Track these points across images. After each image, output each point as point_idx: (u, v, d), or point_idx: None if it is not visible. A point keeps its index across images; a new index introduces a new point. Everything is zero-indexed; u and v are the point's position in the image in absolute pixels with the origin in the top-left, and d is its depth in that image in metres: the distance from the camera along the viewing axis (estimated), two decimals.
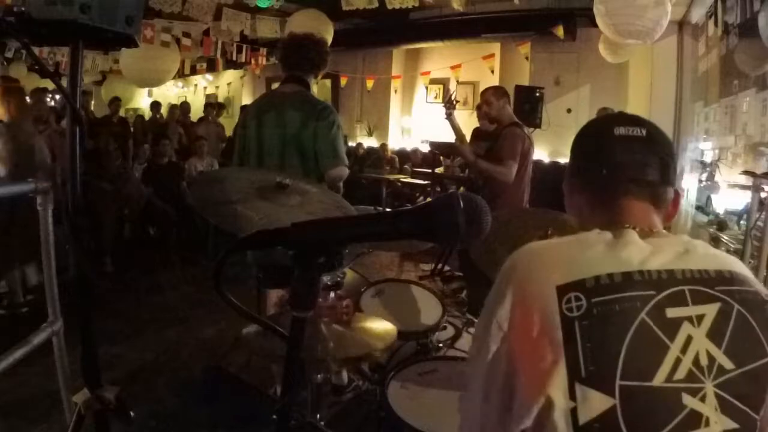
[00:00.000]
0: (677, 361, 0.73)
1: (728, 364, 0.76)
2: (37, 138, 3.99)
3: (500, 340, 0.77)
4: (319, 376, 1.89)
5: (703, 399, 0.74)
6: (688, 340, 0.75)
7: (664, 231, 0.87)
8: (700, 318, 0.76)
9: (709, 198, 4.75)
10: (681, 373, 0.73)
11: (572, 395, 0.71)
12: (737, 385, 0.76)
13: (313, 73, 2.57)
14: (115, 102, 8.52)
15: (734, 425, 0.75)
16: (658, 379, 0.72)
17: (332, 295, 1.77)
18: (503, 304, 0.78)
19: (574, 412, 0.71)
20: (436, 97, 9.29)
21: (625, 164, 0.87)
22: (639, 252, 0.79)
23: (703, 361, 0.75)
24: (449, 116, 3.65)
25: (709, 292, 0.78)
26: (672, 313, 0.75)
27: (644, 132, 0.88)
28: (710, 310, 0.77)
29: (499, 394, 0.78)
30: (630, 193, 0.87)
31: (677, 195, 0.91)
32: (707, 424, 0.73)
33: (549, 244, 0.85)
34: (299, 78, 2.53)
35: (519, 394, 0.75)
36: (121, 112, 9.13)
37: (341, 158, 2.44)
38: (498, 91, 3.74)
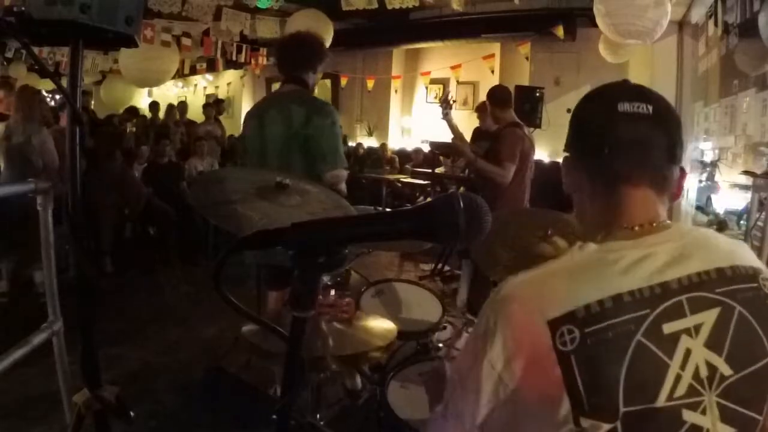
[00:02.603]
0: (677, 378, 0.72)
1: (728, 371, 0.74)
2: (48, 137, 4.04)
3: (496, 381, 0.74)
4: (322, 375, 1.89)
5: (703, 412, 0.73)
6: (687, 353, 0.73)
7: (664, 222, 0.83)
8: (698, 328, 0.74)
9: (709, 198, 4.75)
10: (681, 390, 0.72)
11: (577, 424, 0.71)
12: (738, 390, 0.75)
13: (311, 71, 2.55)
14: (129, 113, 8.58)
15: (733, 431, 0.74)
16: (661, 400, 0.71)
17: (333, 292, 1.78)
18: (494, 344, 0.74)
19: None
20: (436, 97, 9.28)
21: (626, 145, 0.81)
22: (629, 267, 0.75)
23: (703, 372, 0.73)
24: (446, 116, 3.65)
25: (708, 296, 0.76)
26: (668, 328, 0.73)
27: (650, 109, 0.81)
28: (709, 317, 0.75)
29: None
30: (631, 179, 0.82)
31: (683, 173, 0.86)
32: None
33: (534, 276, 0.78)
34: (298, 78, 2.52)
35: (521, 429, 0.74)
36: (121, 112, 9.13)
37: (341, 160, 2.44)
38: (489, 99, 3.77)
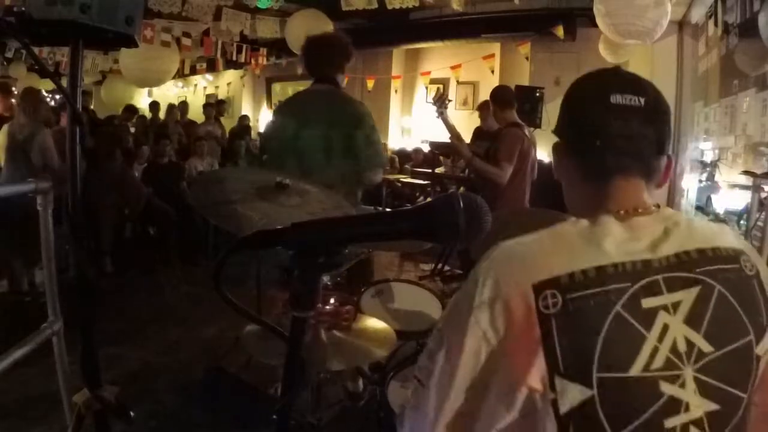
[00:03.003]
0: (654, 350, 0.74)
1: (707, 348, 0.77)
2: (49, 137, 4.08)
3: (479, 337, 0.76)
4: (322, 376, 1.89)
5: (682, 385, 0.75)
6: (665, 328, 0.75)
7: (651, 207, 0.85)
8: (676, 305, 0.77)
9: (709, 198, 4.75)
10: (659, 362, 0.74)
11: (552, 387, 0.73)
12: (718, 367, 0.77)
13: (340, 72, 2.55)
14: (127, 112, 8.58)
15: (715, 407, 0.76)
16: (635, 369, 0.73)
17: (333, 300, 1.77)
18: (481, 302, 0.77)
19: (554, 403, 0.73)
20: (433, 98, 9.28)
21: (618, 138, 0.83)
22: (614, 242, 0.78)
23: (681, 347, 0.76)
24: (441, 114, 3.65)
25: (688, 276, 0.78)
26: (647, 303, 0.76)
27: (642, 101, 0.83)
28: (688, 296, 0.77)
29: (472, 387, 0.78)
30: (622, 170, 0.85)
31: (669, 161, 0.88)
32: (687, 409, 0.75)
33: (524, 242, 0.81)
34: (331, 78, 2.51)
35: (498, 386, 0.76)
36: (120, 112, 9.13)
37: (383, 161, 2.46)
38: (492, 99, 3.78)
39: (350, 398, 2.33)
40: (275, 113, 2.63)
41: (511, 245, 0.81)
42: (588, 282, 0.75)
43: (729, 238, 0.85)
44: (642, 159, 0.85)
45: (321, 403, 2.10)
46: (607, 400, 0.72)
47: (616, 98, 0.83)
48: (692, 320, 0.77)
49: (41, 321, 1.74)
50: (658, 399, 0.74)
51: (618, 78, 0.88)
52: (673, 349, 0.75)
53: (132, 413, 1.51)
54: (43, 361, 1.81)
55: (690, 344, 0.76)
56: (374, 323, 1.86)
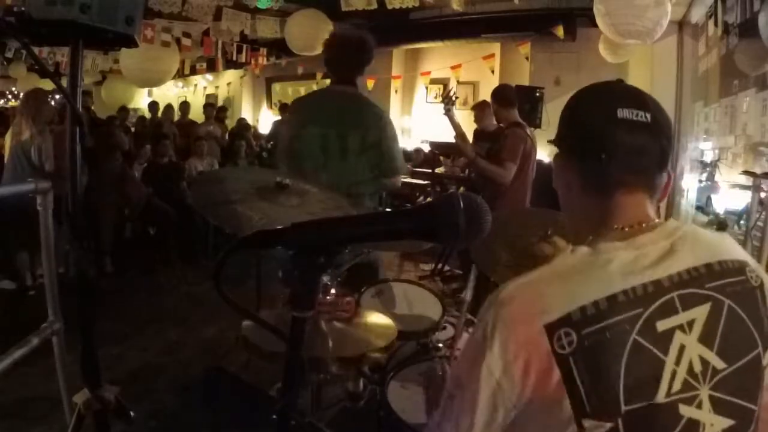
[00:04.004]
0: (673, 374, 0.73)
1: (720, 364, 0.76)
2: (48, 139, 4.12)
3: (494, 386, 0.74)
4: (322, 376, 1.89)
5: (699, 406, 0.74)
6: (681, 349, 0.74)
7: (653, 221, 0.84)
8: (690, 324, 0.75)
9: (709, 198, 4.75)
10: (677, 385, 0.73)
11: (580, 426, 0.71)
12: (731, 382, 0.76)
13: (360, 73, 2.50)
14: (124, 112, 8.57)
15: (731, 422, 0.76)
16: (661, 396, 0.72)
17: (333, 291, 1.77)
18: (492, 349, 0.75)
19: None
20: (436, 97, 9.28)
21: (625, 153, 0.82)
22: (620, 267, 0.76)
23: (697, 367, 0.75)
24: (448, 112, 3.64)
25: (699, 292, 0.77)
26: (662, 325, 0.74)
27: (649, 117, 0.82)
28: (701, 313, 0.76)
29: None
30: (626, 185, 0.84)
31: (669, 177, 0.88)
32: (704, 429, 0.74)
33: (529, 282, 0.79)
34: (351, 80, 2.46)
35: None
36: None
37: (403, 166, 2.45)
38: (493, 98, 3.77)
39: (350, 398, 2.33)
40: (291, 111, 2.57)
41: (515, 287, 0.79)
42: (600, 314, 0.73)
43: (732, 249, 0.84)
44: (646, 174, 0.85)
45: (321, 403, 2.10)
46: (630, 428, 0.71)
47: (623, 113, 0.82)
48: (706, 338, 0.76)
49: (42, 320, 1.74)
50: (678, 423, 0.73)
51: (624, 92, 0.87)
52: (690, 371, 0.74)
53: (132, 413, 1.51)
54: (43, 361, 1.81)
55: (704, 363, 0.75)
56: (375, 317, 1.86)
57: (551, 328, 0.73)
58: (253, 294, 3.30)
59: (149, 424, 2.60)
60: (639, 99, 0.85)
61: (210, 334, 3.74)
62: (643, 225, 0.83)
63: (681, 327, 0.75)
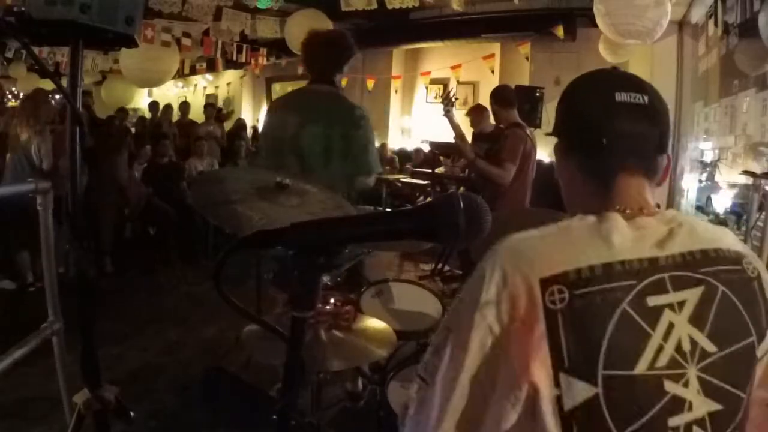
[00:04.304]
0: (659, 349, 0.74)
1: (711, 348, 0.77)
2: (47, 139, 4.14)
3: (485, 330, 0.76)
4: (321, 376, 1.89)
5: (686, 384, 0.75)
6: (670, 327, 0.76)
7: (653, 208, 0.85)
8: (681, 304, 0.77)
9: (709, 198, 4.75)
10: (663, 360, 0.74)
11: (557, 383, 0.72)
12: (721, 367, 0.77)
13: (339, 72, 2.49)
14: (121, 113, 8.58)
15: (718, 407, 0.76)
16: (640, 368, 0.73)
17: (333, 300, 1.77)
18: (487, 295, 0.77)
19: (558, 399, 0.72)
20: (436, 97, 9.28)
21: (624, 136, 0.83)
22: (621, 240, 0.78)
23: (686, 346, 0.76)
24: (447, 113, 3.64)
25: (692, 276, 0.78)
26: (652, 301, 0.76)
27: (646, 99, 0.84)
28: (692, 295, 0.78)
29: (478, 383, 0.77)
30: (627, 168, 0.85)
31: (668, 160, 0.89)
32: (690, 408, 0.75)
33: (531, 236, 0.81)
34: (328, 79, 2.47)
35: (502, 382, 0.75)
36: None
37: (377, 167, 2.43)
38: (493, 98, 3.76)
39: (350, 398, 2.33)
40: (270, 111, 2.59)
41: (518, 239, 0.81)
42: (595, 278, 0.75)
43: (730, 240, 0.85)
44: (646, 157, 0.86)
45: (321, 403, 2.10)
46: (611, 398, 0.72)
47: (621, 96, 0.83)
48: (697, 320, 0.77)
49: (42, 320, 1.74)
50: (662, 398, 0.74)
51: (620, 77, 0.89)
52: (678, 348, 0.75)
53: (132, 413, 1.51)
54: (43, 361, 1.81)
55: (694, 344, 0.76)
56: (374, 323, 1.86)
57: (546, 282, 0.74)
58: (253, 294, 3.29)
59: (149, 424, 2.60)
60: (635, 82, 0.86)
61: (210, 334, 3.74)
62: (644, 210, 0.84)
63: (671, 306, 0.76)
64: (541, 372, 0.73)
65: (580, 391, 0.72)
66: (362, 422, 2.22)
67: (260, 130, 8.93)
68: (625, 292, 0.75)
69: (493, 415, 0.76)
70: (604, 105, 0.84)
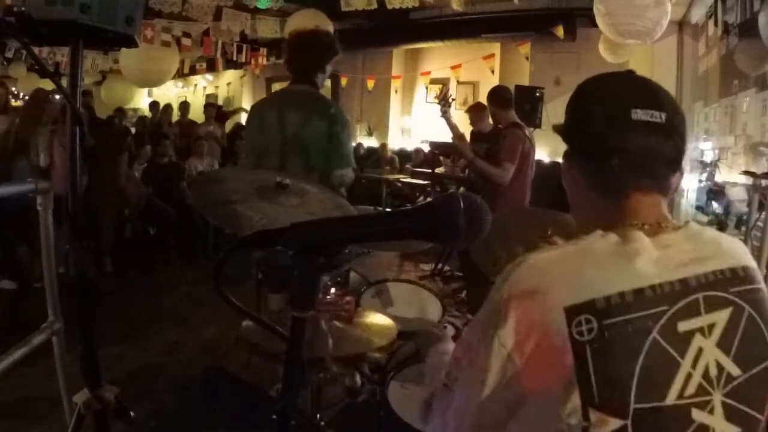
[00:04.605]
0: (688, 377, 0.71)
1: (735, 371, 0.74)
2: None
3: (504, 359, 0.72)
4: (322, 376, 1.89)
5: (711, 411, 0.72)
6: (699, 352, 0.72)
7: (671, 221, 0.82)
8: (711, 327, 0.73)
9: (709, 198, 4.75)
10: (691, 389, 0.71)
11: (586, 418, 0.69)
12: (744, 390, 0.74)
13: (319, 71, 2.52)
14: (119, 113, 8.56)
15: (738, 430, 0.74)
16: (670, 398, 0.70)
17: (333, 290, 1.77)
18: (506, 322, 0.72)
19: (585, 429, 0.70)
20: (436, 97, 9.28)
21: (639, 156, 0.79)
22: (649, 260, 0.73)
23: (713, 372, 0.73)
24: (444, 114, 3.64)
25: (722, 296, 0.75)
26: (683, 326, 0.72)
27: (664, 118, 0.78)
28: (721, 317, 0.74)
29: (496, 411, 0.74)
30: (641, 187, 0.81)
31: (681, 175, 0.85)
32: None
33: (551, 258, 0.76)
34: (308, 79, 2.50)
35: (525, 414, 0.72)
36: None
37: (350, 161, 2.44)
38: (490, 99, 3.76)
39: (349, 394, 2.33)
40: (250, 112, 2.62)
41: (536, 261, 0.76)
42: (625, 306, 0.70)
43: (749, 256, 0.82)
44: (660, 176, 0.82)
45: (321, 403, 2.10)
46: (640, 429, 0.69)
47: (638, 114, 0.78)
48: (724, 343, 0.74)
49: (42, 320, 1.74)
50: (688, 427, 0.71)
51: (638, 90, 0.83)
52: (705, 375, 0.72)
53: (132, 413, 1.51)
54: (43, 361, 1.81)
55: (720, 368, 0.73)
56: (375, 317, 1.86)
57: (572, 311, 0.70)
58: (253, 294, 3.29)
59: (149, 424, 2.60)
60: (653, 96, 0.81)
61: (210, 334, 3.74)
62: (663, 225, 0.80)
63: (701, 330, 0.73)
64: (567, 406, 0.69)
65: (608, 425, 0.69)
66: (362, 422, 2.22)
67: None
68: (656, 319, 0.71)
69: None
70: (618, 122, 0.79)
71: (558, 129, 0.89)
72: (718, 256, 0.78)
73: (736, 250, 0.81)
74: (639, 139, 0.79)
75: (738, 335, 0.75)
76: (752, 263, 0.81)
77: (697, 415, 0.71)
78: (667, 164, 0.81)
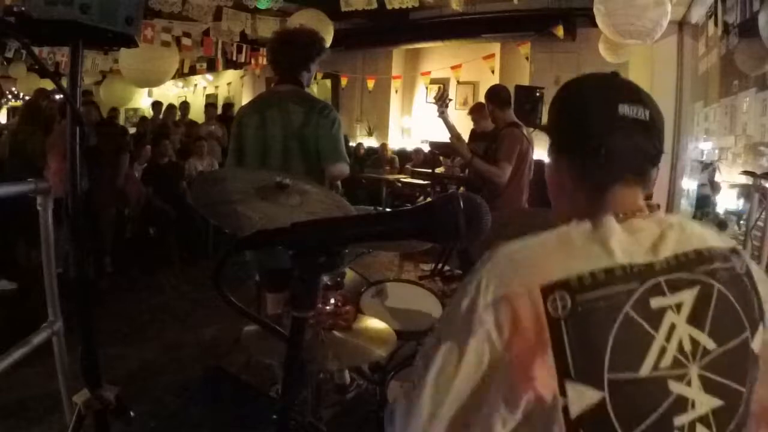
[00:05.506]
0: (662, 350, 0.75)
1: (711, 345, 0.78)
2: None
3: (484, 336, 0.74)
4: (320, 375, 1.89)
5: (688, 383, 0.76)
6: (672, 327, 0.76)
7: (645, 210, 0.86)
8: (679, 306, 0.77)
9: (709, 198, 4.75)
10: (666, 361, 0.75)
11: (563, 392, 0.72)
12: (721, 363, 0.78)
13: (304, 70, 2.51)
14: (113, 112, 8.58)
15: (719, 402, 0.77)
16: (645, 370, 0.74)
17: (333, 300, 1.77)
18: (485, 305, 0.75)
19: (565, 409, 0.72)
20: (433, 97, 9.28)
21: (624, 151, 0.83)
22: (619, 244, 0.78)
23: (687, 346, 0.77)
24: (442, 114, 3.64)
25: (687, 277, 0.79)
26: (655, 303, 0.76)
27: (647, 115, 0.83)
28: (689, 296, 0.78)
29: (472, 391, 0.75)
30: (624, 182, 0.85)
31: (657, 170, 0.89)
32: (693, 406, 0.76)
33: (528, 243, 0.80)
34: (293, 78, 2.50)
35: (495, 395, 0.73)
36: (122, 112, 9.12)
37: (343, 156, 2.44)
38: (488, 98, 3.75)
39: (337, 390, 2.34)
40: (236, 117, 2.61)
41: (514, 247, 0.80)
42: (597, 283, 0.75)
43: (718, 238, 0.87)
44: (642, 171, 0.86)
45: (321, 403, 2.10)
46: (618, 401, 0.72)
47: (624, 109, 0.82)
48: (695, 319, 0.78)
49: (42, 320, 1.74)
50: (666, 398, 0.74)
51: (623, 88, 0.87)
52: (680, 348, 0.76)
53: (132, 413, 1.51)
54: (43, 361, 1.81)
55: (695, 342, 0.77)
56: (374, 323, 1.86)
57: (547, 290, 0.74)
58: (253, 294, 3.29)
59: (149, 424, 2.60)
60: (637, 95, 0.85)
61: (210, 334, 3.74)
62: (636, 213, 0.84)
63: (671, 307, 0.77)
64: (545, 382, 0.72)
65: (586, 397, 0.72)
66: (362, 422, 2.22)
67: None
68: (627, 296, 0.75)
69: (484, 422, 0.74)
70: (606, 116, 0.83)
71: (543, 127, 0.93)
72: (683, 239, 0.82)
73: (701, 234, 0.85)
74: (625, 136, 0.83)
75: (710, 311, 0.79)
76: (720, 243, 0.85)
77: (675, 387, 0.75)
78: (650, 160, 0.86)
